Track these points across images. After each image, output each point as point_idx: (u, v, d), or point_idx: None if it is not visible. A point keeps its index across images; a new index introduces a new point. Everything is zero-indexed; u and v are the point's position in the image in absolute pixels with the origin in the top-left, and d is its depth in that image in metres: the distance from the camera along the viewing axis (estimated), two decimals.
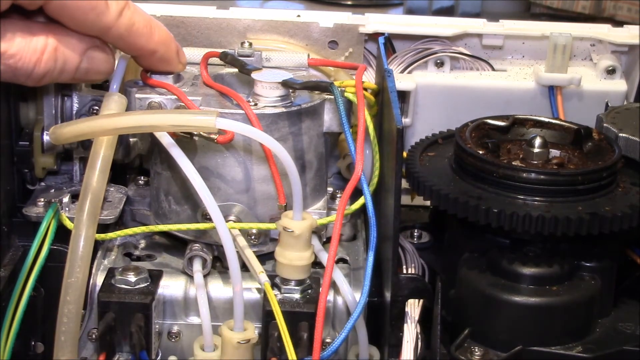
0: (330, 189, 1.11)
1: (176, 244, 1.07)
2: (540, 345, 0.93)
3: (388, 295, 0.98)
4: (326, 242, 1.04)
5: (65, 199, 1.03)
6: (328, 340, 0.99)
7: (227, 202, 1.01)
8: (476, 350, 0.93)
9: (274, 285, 0.97)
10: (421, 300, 0.98)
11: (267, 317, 0.95)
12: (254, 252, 0.99)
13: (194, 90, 1.04)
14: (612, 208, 0.93)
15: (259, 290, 1.01)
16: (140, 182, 1.12)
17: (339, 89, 1.02)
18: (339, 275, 0.98)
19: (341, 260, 1.06)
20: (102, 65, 0.97)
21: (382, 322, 1.00)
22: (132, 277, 0.97)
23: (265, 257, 1.02)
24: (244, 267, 0.97)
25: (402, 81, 1.18)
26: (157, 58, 1.00)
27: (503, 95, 1.20)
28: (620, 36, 1.25)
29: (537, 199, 0.94)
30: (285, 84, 1.01)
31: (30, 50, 0.90)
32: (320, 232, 1.04)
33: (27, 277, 0.96)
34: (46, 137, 1.05)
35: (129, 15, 0.95)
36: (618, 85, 1.21)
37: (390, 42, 1.21)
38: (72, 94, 1.06)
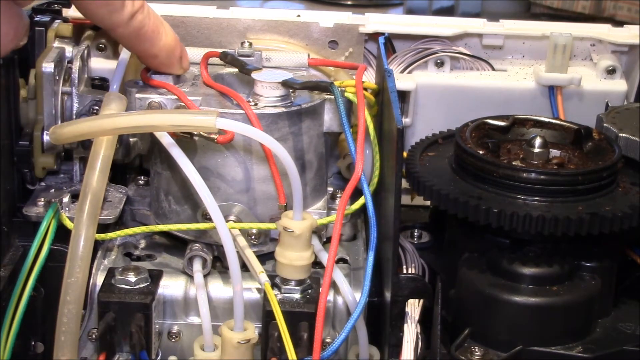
0: (330, 189, 1.11)
1: (176, 244, 1.07)
2: (540, 345, 0.93)
3: (388, 295, 0.98)
4: (326, 242, 1.04)
5: (65, 199, 1.03)
6: (328, 340, 0.99)
7: (227, 202, 1.01)
8: (476, 350, 0.93)
9: (274, 285, 0.97)
10: (421, 300, 0.98)
11: (267, 317, 0.95)
12: (254, 252, 0.99)
13: (194, 90, 1.04)
14: (612, 208, 0.93)
15: (259, 290, 1.01)
16: (140, 182, 1.12)
17: (339, 89, 1.02)
18: (339, 275, 0.98)
19: (341, 260, 1.06)
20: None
21: (382, 322, 1.00)
22: (132, 277, 0.97)
23: (265, 257, 1.02)
24: (244, 267, 0.97)
25: (402, 81, 1.18)
26: (157, 62, 1.01)
27: (503, 95, 1.20)
28: (620, 36, 1.25)
29: (537, 199, 0.94)
30: (285, 84, 1.01)
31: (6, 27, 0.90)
32: (320, 232, 1.04)
33: (27, 277, 0.96)
34: (46, 137, 1.05)
35: (140, 19, 0.95)
36: (618, 85, 1.21)
37: (390, 42, 1.21)
38: (72, 94, 1.06)
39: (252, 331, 0.95)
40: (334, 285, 0.99)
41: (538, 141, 0.99)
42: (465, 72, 1.22)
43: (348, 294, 0.98)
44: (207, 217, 0.99)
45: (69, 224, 0.99)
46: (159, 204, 1.05)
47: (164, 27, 0.99)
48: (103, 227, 1.02)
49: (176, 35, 1.02)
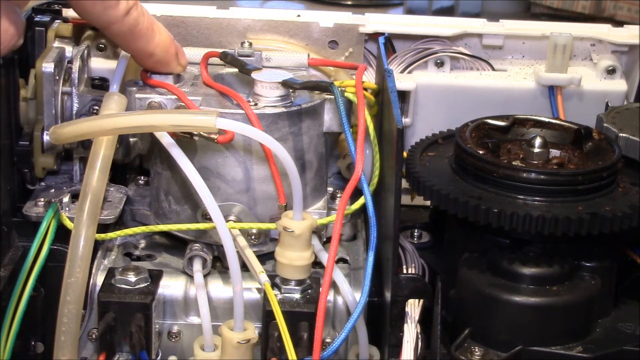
0: (330, 189, 1.11)
1: (176, 244, 1.07)
2: (540, 345, 0.93)
3: (388, 295, 0.98)
4: (326, 242, 1.04)
5: (65, 199, 1.03)
6: (328, 340, 0.99)
7: (227, 202, 1.01)
8: (476, 350, 0.93)
9: (274, 285, 0.97)
10: (421, 300, 0.98)
11: (267, 317, 0.95)
12: (254, 252, 0.99)
13: (194, 90, 1.04)
14: (612, 208, 0.93)
15: (259, 290, 1.01)
16: (140, 182, 1.12)
17: (339, 89, 1.02)
18: (339, 275, 0.98)
19: (341, 260, 1.06)
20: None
21: (382, 322, 1.00)
22: (132, 277, 0.97)
23: (265, 257, 1.02)
24: (244, 267, 0.97)
25: (402, 81, 1.18)
26: (153, 61, 1.01)
27: (503, 95, 1.20)
28: (620, 36, 1.25)
29: (537, 199, 0.94)
30: (285, 84, 1.01)
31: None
32: (320, 232, 1.04)
33: (27, 277, 0.96)
34: (46, 137, 1.05)
35: (134, 16, 0.95)
36: (618, 85, 1.21)
37: (390, 42, 1.21)
38: (72, 94, 1.06)
39: (252, 331, 0.95)
40: (334, 285, 0.99)
41: (538, 141, 0.99)
42: (465, 72, 1.22)
43: (348, 294, 0.98)
44: (207, 217, 0.99)
45: (69, 224, 0.99)
46: (159, 204, 1.05)
47: (157, 25, 1.00)
48: (103, 227, 1.02)
49: (169, 33, 1.02)
